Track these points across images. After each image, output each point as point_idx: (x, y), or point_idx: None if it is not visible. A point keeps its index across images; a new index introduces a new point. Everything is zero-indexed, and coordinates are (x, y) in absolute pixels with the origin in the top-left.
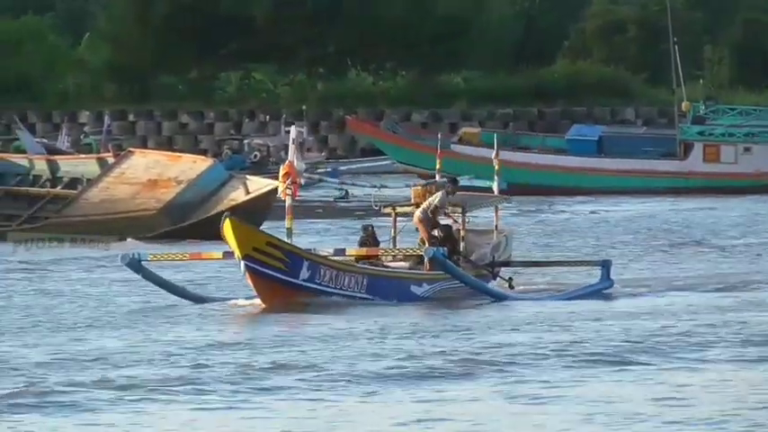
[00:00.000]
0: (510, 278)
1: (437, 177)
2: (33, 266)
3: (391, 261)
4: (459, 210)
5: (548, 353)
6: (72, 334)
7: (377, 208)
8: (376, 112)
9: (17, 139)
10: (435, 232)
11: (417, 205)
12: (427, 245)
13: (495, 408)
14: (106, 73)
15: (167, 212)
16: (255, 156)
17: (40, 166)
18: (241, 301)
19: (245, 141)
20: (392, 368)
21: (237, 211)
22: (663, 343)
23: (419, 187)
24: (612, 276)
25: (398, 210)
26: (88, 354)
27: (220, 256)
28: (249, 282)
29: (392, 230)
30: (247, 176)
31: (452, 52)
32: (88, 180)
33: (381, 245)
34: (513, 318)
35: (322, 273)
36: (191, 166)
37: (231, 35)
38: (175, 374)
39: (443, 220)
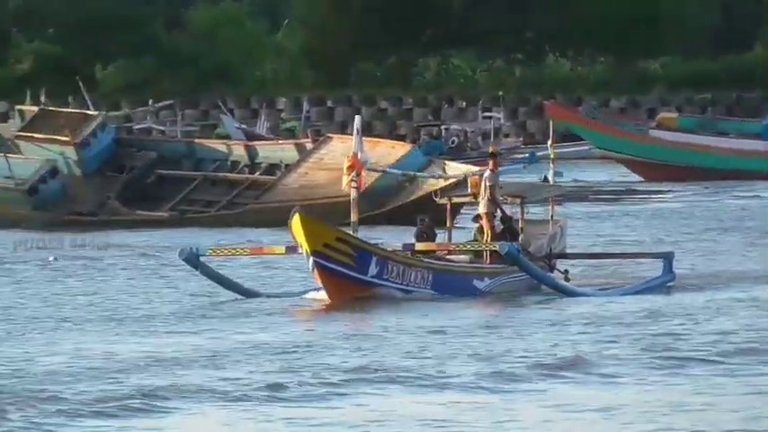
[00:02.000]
0: (566, 270)
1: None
2: (86, 260)
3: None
4: (519, 200)
5: (637, 352)
6: (138, 332)
7: (436, 198)
8: (573, 98)
9: (216, 125)
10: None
11: (474, 195)
12: (489, 238)
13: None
14: (304, 59)
15: (365, 198)
16: (453, 141)
17: (239, 151)
18: (308, 295)
19: (443, 127)
20: (468, 369)
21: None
22: None
23: (476, 177)
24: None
25: (454, 200)
26: (157, 355)
27: (283, 251)
28: (317, 278)
29: (448, 223)
30: (446, 162)
31: (650, 38)
32: (287, 166)
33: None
34: (587, 314)
35: (390, 268)
36: (389, 151)
37: (429, 21)
38: (257, 378)
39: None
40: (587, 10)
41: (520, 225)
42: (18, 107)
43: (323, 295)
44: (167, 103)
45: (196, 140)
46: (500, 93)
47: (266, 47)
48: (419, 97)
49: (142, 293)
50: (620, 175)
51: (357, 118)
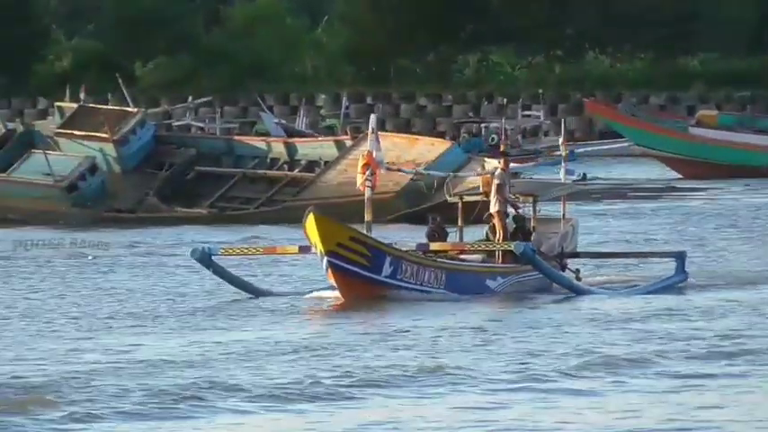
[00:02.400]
0: (577, 270)
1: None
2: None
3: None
4: (531, 199)
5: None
6: (176, 329)
7: (448, 197)
8: (613, 95)
9: (255, 122)
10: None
11: (486, 194)
12: (500, 237)
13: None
14: (344, 56)
15: (405, 195)
16: (493, 139)
17: (278, 148)
18: (319, 294)
19: (483, 124)
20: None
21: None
22: None
23: (488, 176)
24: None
25: (465, 199)
26: (199, 352)
27: (296, 251)
28: (331, 278)
29: (458, 221)
30: (486, 159)
31: (688, 35)
32: (326, 163)
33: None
34: (606, 313)
35: (404, 268)
36: (429, 148)
37: (468, 18)
38: (284, 379)
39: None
40: (627, 7)
41: (532, 224)
42: (57, 104)
43: (336, 294)
44: (206, 99)
45: (235, 137)
46: (540, 90)
47: (306, 43)
48: (459, 94)
49: (177, 291)
50: (659, 172)
51: (372, 117)
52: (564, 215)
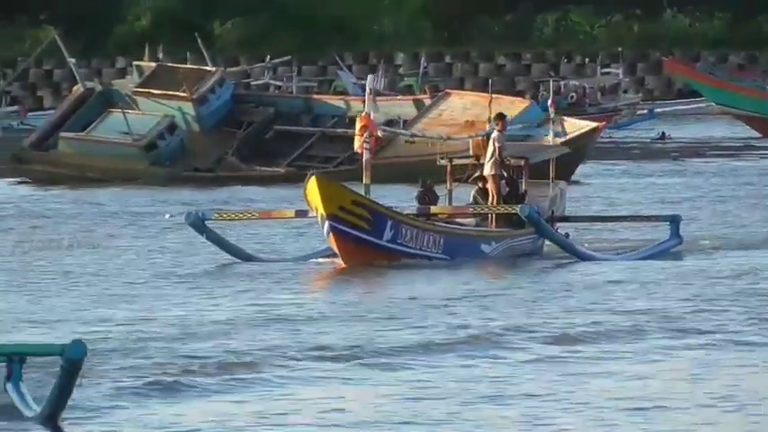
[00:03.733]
0: (566, 234)
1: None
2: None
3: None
4: (522, 161)
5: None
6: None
7: (440, 160)
8: (692, 54)
9: (333, 81)
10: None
11: (477, 158)
12: (496, 200)
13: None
14: (423, 15)
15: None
16: (572, 97)
17: (357, 107)
18: (320, 260)
19: (562, 83)
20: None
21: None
22: None
23: (479, 138)
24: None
25: (455, 162)
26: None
27: (292, 215)
28: (331, 242)
29: (448, 185)
30: (564, 117)
31: None
32: (405, 122)
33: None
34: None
35: (404, 232)
36: (508, 107)
37: None
38: (290, 346)
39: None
40: None
41: (524, 187)
42: (136, 63)
43: (335, 260)
44: (285, 59)
45: (314, 96)
46: (619, 48)
47: (385, 2)
48: (538, 53)
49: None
50: (737, 131)
51: (369, 77)
52: (552, 178)
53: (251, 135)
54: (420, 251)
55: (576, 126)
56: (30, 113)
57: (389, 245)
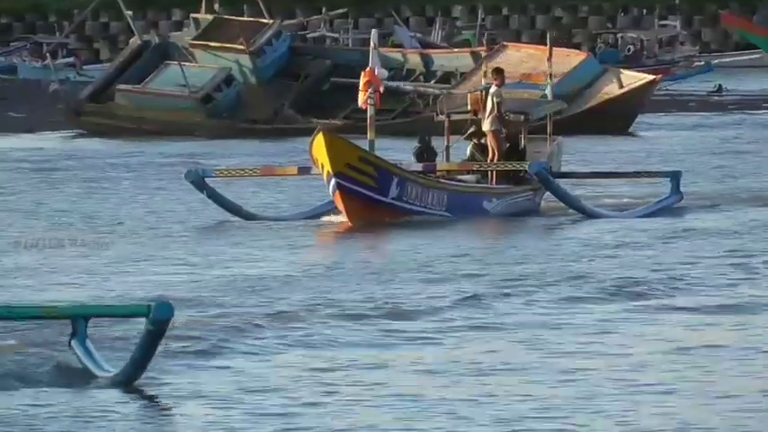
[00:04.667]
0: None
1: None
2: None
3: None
4: (522, 117)
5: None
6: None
7: (436, 116)
8: (749, 7)
9: (390, 34)
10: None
11: (475, 113)
12: (497, 156)
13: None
14: None
15: (540, 107)
16: (629, 49)
17: (415, 60)
18: (328, 218)
19: (620, 35)
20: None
21: (613, 106)
22: None
23: (477, 93)
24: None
25: (453, 117)
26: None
27: (295, 172)
28: (337, 200)
29: (445, 141)
30: (621, 70)
31: None
32: (462, 74)
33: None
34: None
35: (409, 190)
36: (565, 60)
37: None
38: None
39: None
40: None
41: (523, 143)
42: (193, 15)
43: (339, 219)
44: (341, 11)
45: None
46: (676, 1)
47: None
48: (595, 5)
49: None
50: None
51: (373, 32)
52: (550, 134)
53: (308, 87)
54: (424, 209)
55: (633, 78)
56: (86, 66)
57: (395, 202)
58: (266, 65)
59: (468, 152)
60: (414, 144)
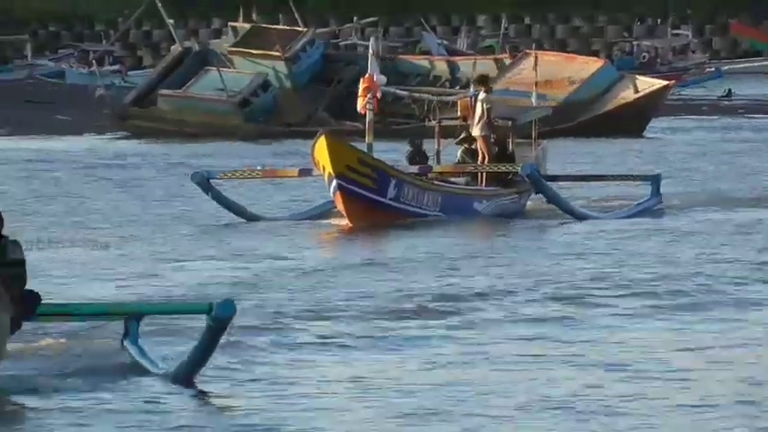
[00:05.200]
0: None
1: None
2: None
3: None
4: (510, 122)
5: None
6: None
7: (427, 121)
8: (759, 17)
9: (418, 42)
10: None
11: (464, 118)
12: (487, 160)
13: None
14: None
15: (561, 110)
16: (644, 57)
17: (441, 66)
18: (332, 220)
19: (635, 44)
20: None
21: (628, 110)
22: None
23: (467, 99)
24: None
25: (444, 123)
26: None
27: (296, 174)
28: (338, 201)
29: (436, 145)
30: (637, 76)
31: None
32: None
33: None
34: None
35: (406, 191)
36: (583, 66)
37: None
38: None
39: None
40: None
41: (511, 147)
42: (231, 24)
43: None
44: (372, 20)
45: (400, 56)
46: (688, 11)
47: None
48: (611, 16)
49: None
50: None
51: (371, 39)
52: (535, 138)
53: (340, 92)
54: (420, 209)
55: (647, 84)
56: (130, 72)
57: (393, 203)
58: (301, 71)
59: (458, 156)
60: (406, 148)
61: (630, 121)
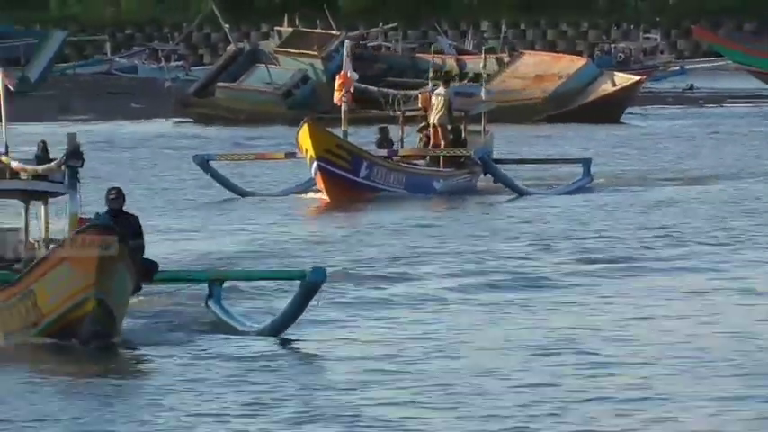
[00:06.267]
0: None
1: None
2: None
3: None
4: (463, 113)
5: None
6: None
7: (391, 112)
8: (716, 23)
9: (432, 43)
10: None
11: (424, 110)
12: (443, 146)
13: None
14: None
15: (551, 100)
16: (620, 56)
17: (451, 63)
18: (309, 195)
19: (613, 45)
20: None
21: (607, 101)
22: None
23: (427, 93)
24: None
25: (407, 114)
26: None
27: (282, 157)
28: (318, 180)
29: (400, 132)
30: (614, 72)
31: None
32: (488, 75)
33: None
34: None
35: (376, 171)
36: (569, 64)
37: None
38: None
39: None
40: None
41: (464, 135)
42: (277, 28)
43: (319, 196)
44: (393, 25)
45: (417, 55)
46: (657, 18)
47: None
48: (593, 21)
49: None
50: (751, 83)
51: (346, 43)
52: (484, 126)
53: (367, 85)
54: (387, 187)
55: (623, 79)
56: (193, 67)
57: (364, 181)
58: (334, 67)
59: (417, 142)
60: (375, 135)
61: (609, 110)
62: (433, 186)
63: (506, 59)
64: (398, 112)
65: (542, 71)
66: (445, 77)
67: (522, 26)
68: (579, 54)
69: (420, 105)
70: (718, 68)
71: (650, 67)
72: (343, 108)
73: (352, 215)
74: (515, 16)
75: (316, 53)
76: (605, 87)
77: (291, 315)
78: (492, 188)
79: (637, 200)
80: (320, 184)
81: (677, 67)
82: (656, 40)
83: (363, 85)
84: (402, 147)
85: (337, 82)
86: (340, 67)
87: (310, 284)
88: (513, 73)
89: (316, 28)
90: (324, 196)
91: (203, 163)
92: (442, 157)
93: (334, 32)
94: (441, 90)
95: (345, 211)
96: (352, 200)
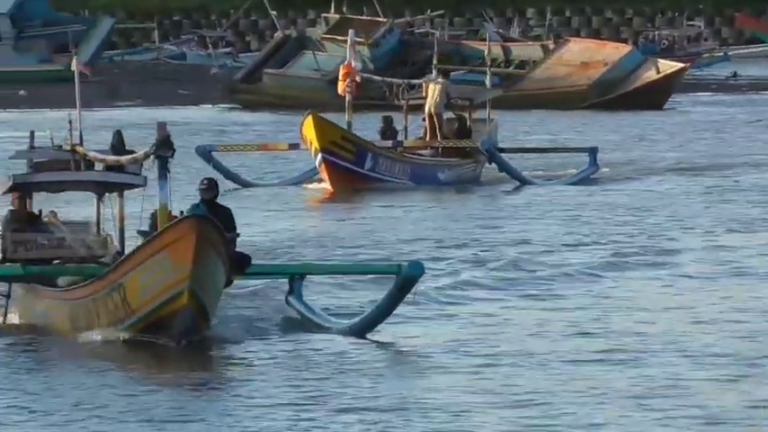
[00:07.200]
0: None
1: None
2: None
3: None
4: (468, 102)
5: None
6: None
7: (396, 101)
8: (759, 10)
9: (478, 30)
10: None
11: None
12: (439, 135)
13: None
14: None
15: (595, 87)
16: (664, 44)
17: (497, 51)
18: (312, 185)
19: (657, 32)
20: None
21: (651, 88)
22: None
23: (428, 82)
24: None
25: (411, 102)
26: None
27: (285, 148)
28: (323, 171)
29: (404, 121)
30: (658, 60)
31: None
32: (534, 62)
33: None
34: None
35: (381, 162)
36: (614, 51)
37: None
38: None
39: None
40: None
41: (469, 123)
42: (324, 15)
43: (322, 186)
44: (440, 12)
45: (462, 42)
46: (701, 5)
47: None
48: (638, 9)
49: None
50: None
51: (350, 32)
52: (489, 114)
53: (414, 72)
54: (392, 178)
55: (667, 66)
56: (240, 54)
57: (369, 173)
58: (381, 54)
59: (422, 130)
60: (379, 124)
61: (653, 97)
62: (438, 177)
63: (551, 47)
64: (402, 101)
65: (587, 58)
66: (445, 69)
67: (567, 13)
68: (624, 41)
69: (423, 94)
70: (762, 55)
71: (694, 55)
72: (347, 98)
73: (357, 206)
74: (560, 4)
75: (363, 40)
76: (649, 74)
77: (385, 311)
78: (499, 177)
79: (659, 191)
80: (325, 176)
81: (720, 54)
82: (699, 27)
83: (367, 75)
84: (406, 136)
85: (341, 72)
86: (386, 55)
87: (407, 279)
88: (559, 60)
89: (362, 15)
90: (328, 186)
91: (205, 154)
92: (442, 148)
93: (380, 19)
94: (440, 79)
95: (350, 203)
96: (355, 190)
